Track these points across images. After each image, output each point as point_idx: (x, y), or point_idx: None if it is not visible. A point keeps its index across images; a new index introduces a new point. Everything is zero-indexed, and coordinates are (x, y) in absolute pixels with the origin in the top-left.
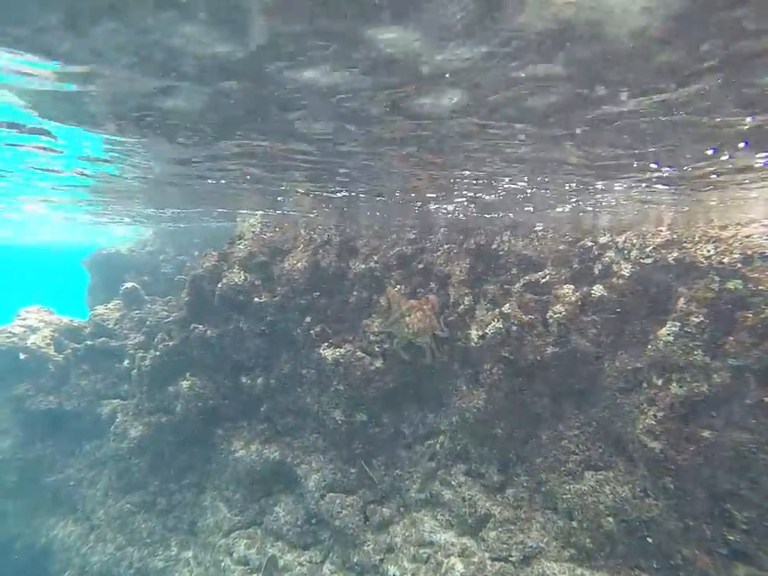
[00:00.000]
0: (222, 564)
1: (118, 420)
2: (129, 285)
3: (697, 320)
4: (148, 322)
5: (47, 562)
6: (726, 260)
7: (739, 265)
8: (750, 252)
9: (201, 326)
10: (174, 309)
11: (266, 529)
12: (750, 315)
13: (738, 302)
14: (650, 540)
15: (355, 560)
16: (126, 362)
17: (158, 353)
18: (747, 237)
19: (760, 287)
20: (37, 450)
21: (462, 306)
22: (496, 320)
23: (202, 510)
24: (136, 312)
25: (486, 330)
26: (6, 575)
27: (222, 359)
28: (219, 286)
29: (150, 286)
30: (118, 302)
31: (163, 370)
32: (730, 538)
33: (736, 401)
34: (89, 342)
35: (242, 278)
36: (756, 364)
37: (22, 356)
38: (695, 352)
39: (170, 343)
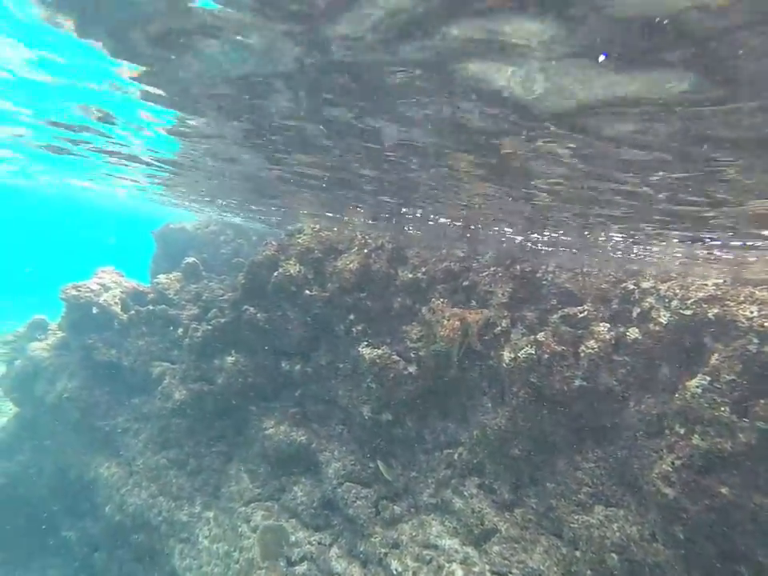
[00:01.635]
0: (239, 529)
1: (165, 382)
2: (190, 260)
3: (728, 377)
4: (204, 297)
5: (93, 494)
6: (767, 324)
7: None
8: None
9: (252, 309)
10: (229, 289)
11: (282, 505)
12: None
13: None
14: None
15: (361, 549)
16: (179, 331)
17: (209, 327)
18: None
19: None
20: (96, 396)
21: (498, 328)
22: (529, 345)
23: (227, 477)
24: (194, 286)
25: (519, 354)
26: (66, 495)
27: (267, 342)
28: (275, 274)
29: (208, 263)
30: (179, 274)
31: (211, 344)
32: None
33: (761, 464)
34: (150, 307)
35: (297, 269)
36: None
37: (94, 310)
38: (722, 408)
39: (222, 320)
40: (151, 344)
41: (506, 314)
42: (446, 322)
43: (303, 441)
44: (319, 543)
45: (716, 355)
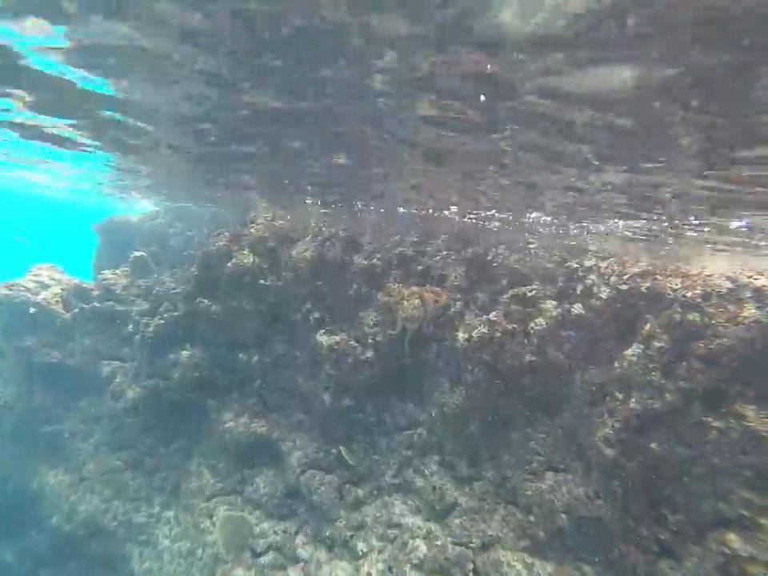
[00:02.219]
0: (202, 525)
1: (116, 380)
2: (138, 253)
3: (658, 344)
4: (155, 291)
5: (37, 506)
6: (689, 294)
7: (699, 300)
8: (709, 289)
9: (206, 301)
10: (182, 282)
11: (245, 498)
12: (702, 345)
13: (694, 332)
14: (594, 536)
15: (327, 534)
16: (129, 327)
17: (162, 321)
18: (709, 276)
19: (713, 321)
20: (37, 400)
21: (452, 309)
22: (482, 325)
23: (187, 473)
24: (143, 281)
25: (473, 334)
26: (0, 513)
27: (222, 334)
28: (229, 265)
29: (157, 256)
30: (126, 268)
31: (165, 338)
32: (662, 537)
33: (681, 419)
34: (96, 304)
35: (251, 260)
36: (700, 388)
37: (32, 310)
38: (653, 373)
39: (175, 314)
40: (99, 342)
41: (459, 296)
42: (406, 302)
43: (264, 432)
44: (284, 532)
45: (648, 325)
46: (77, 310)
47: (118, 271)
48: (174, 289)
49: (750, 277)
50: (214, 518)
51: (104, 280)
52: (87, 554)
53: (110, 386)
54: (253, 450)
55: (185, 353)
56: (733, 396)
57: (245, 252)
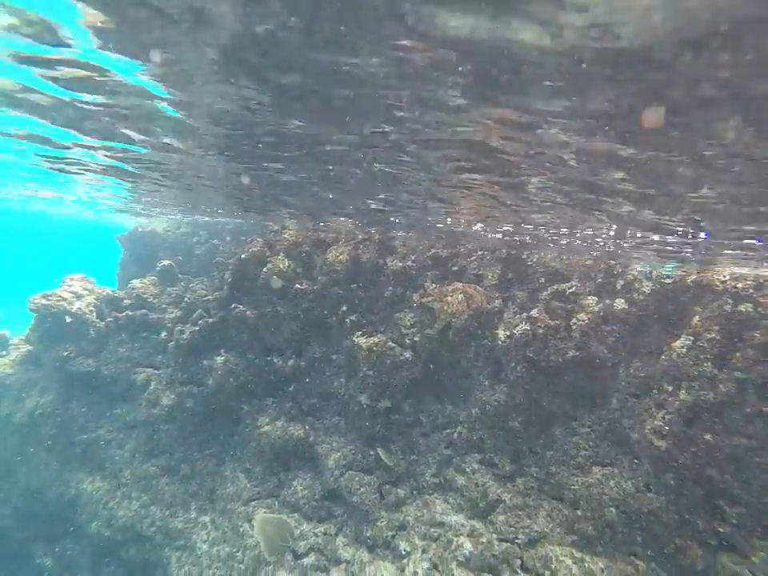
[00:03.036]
0: (241, 529)
1: (151, 388)
2: (165, 263)
3: (709, 336)
4: (187, 299)
5: (75, 513)
6: (740, 285)
7: (751, 290)
8: (762, 280)
9: (241, 307)
10: (213, 289)
11: (283, 501)
12: (758, 335)
13: (748, 322)
14: (647, 530)
15: (368, 534)
16: (162, 334)
17: (196, 328)
18: (756, 269)
19: (767, 310)
20: (73, 409)
21: (492, 307)
22: (524, 322)
23: (222, 479)
24: (173, 289)
25: (514, 331)
26: (39, 520)
27: (257, 340)
28: (264, 270)
29: (182, 265)
30: (153, 278)
31: (199, 345)
32: (720, 530)
33: (737, 410)
34: (129, 313)
35: (286, 264)
36: (758, 378)
37: (68, 319)
38: (705, 364)
39: (209, 320)
40: (132, 350)
41: (497, 295)
42: (450, 297)
43: (300, 435)
44: (325, 534)
45: (697, 317)
46: (110, 318)
47: (146, 281)
48: (205, 296)
49: None
50: (253, 521)
51: (134, 289)
52: (126, 559)
53: (144, 393)
54: (289, 453)
55: (219, 359)
56: None
57: (280, 257)
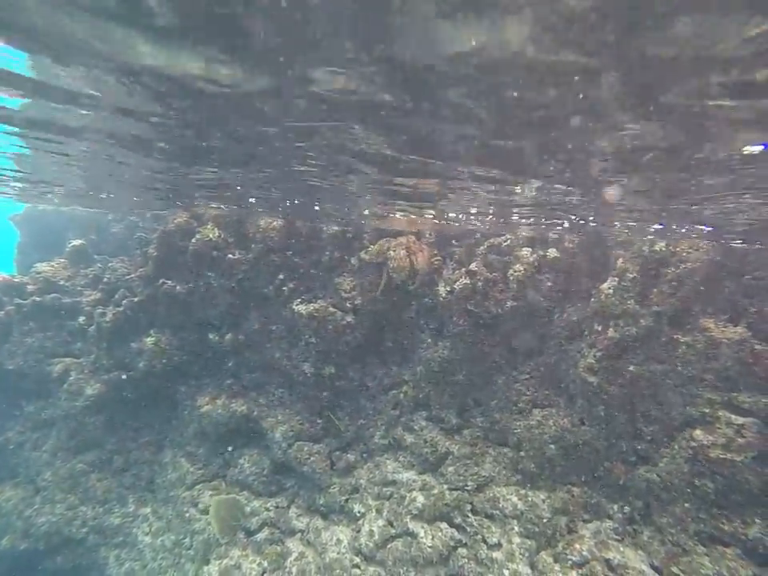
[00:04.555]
0: (187, 514)
1: (71, 378)
2: (77, 242)
3: (631, 276)
4: (105, 279)
5: None
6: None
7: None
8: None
9: (169, 282)
10: (136, 266)
11: (230, 480)
12: (670, 271)
13: (662, 260)
14: (581, 459)
15: (321, 502)
16: (80, 319)
17: (119, 308)
18: None
19: (678, 248)
20: None
21: (434, 263)
22: (463, 277)
23: (161, 466)
24: (89, 270)
25: (454, 286)
26: None
27: (190, 316)
28: (193, 241)
29: (96, 245)
30: (63, 260)
31: (125, 327)
32: (638, 447)
33: (655, 340)
34: (37, 299)
35: (216, 234)
36: (670, 310)
37: None
38: (628, 302)
39: (135, 299)
40: (44, 340)
41: (435, 253)
42: (392, 252)
43: (243, 411)
44: (277, 507)
45: (620, 260)
46: (11, 306)
47: (54, 263)
48: (128, 274)
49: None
50: (200, 505)
51: (39, 273)
52: (53, 569)
53: (63, 385)
54: (233, 431)
55: (149, 340)
56: (696, 313)
57: (209, 226)
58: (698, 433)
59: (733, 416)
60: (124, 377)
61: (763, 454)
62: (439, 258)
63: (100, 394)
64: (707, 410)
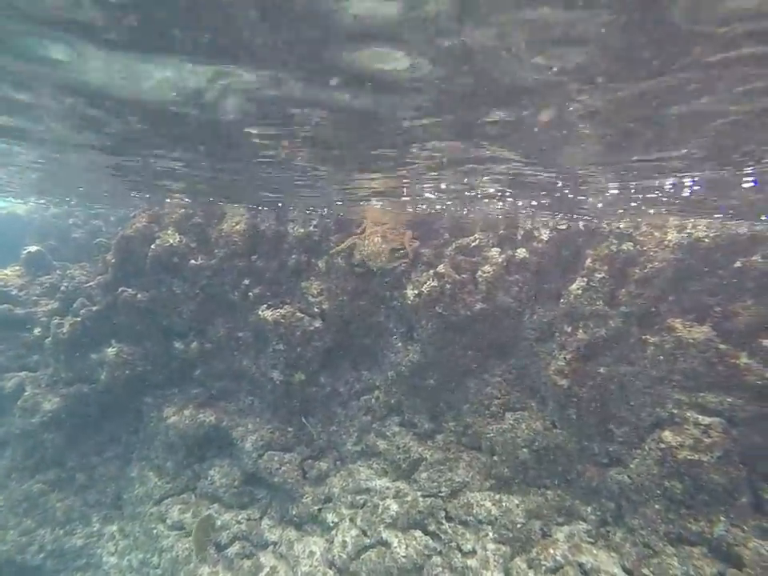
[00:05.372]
0: (155, 531)
1: (26, 394)
2: (33, 248)
3: (599, 276)
4: (63, 288)
5: None
6: (621, 225)
7: (631, 230)
8: (638, 219)
9: (130, 290)
10: (96, 273)
11: (200, 493)
12: (637, 270)
13: (630, 260)
14: (554, 462)
15: (294, 513)
16: (36, 331)
17: (78, 319)
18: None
19: (644, 248)
20: None
21: (399, 268)
22: (431, 279)
23: (128, 481)
24: (46, 278)
25: (422, 289)
26: None
27: (153, 324)
28: (152, 247)
29: (56, 251)
30: (18, 267)
31: (85, 337)
32: (610, 449)
33: (624, 341)
34: None
35: (178, 239)
36: (638, 311)
37: None
38: (597, 302)
39: (93, 308)
40: None
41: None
42: (367, 240)
43: (212, 421)
44: (249, 519)
45: (589, 259)
46: None
47: (7, 271)
48: (87, 282)
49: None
50: (168, 521)
51: None
52: None
53: (17, 401)
54: (202, 442)
55: (110, 350)
56: (664, 313)
57: (169, 231)
58: (666, 434)
59: (700, 416)
60: (86, 389)
61: (728, 452)
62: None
63: (59, 409)
64: (675, 411)
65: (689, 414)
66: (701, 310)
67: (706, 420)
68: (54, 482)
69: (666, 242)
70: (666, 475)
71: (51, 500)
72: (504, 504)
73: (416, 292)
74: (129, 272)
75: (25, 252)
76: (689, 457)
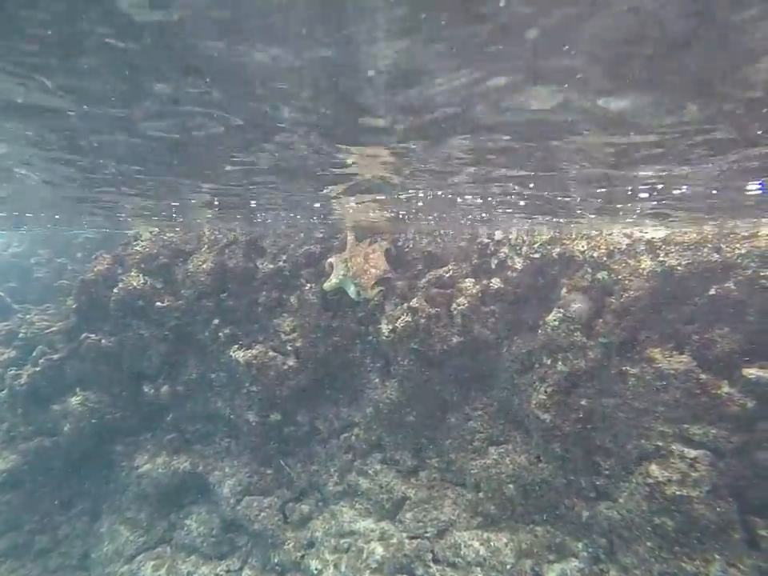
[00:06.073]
0: None
1: None
2: None
3: (575, 306)
4: (21, 335)
5: None
6: (595, 254)
7: (605, 258)
8: (612, 248)
9: (93, 335)
10: (57, 317)
11: (176, 545)
12: (614, 300)
13: (605, 289)
14: (541, 498)
15: (276, 560)
16: None
17: (37, 368)
18: (609, 235)
19: (619, 276)
20: None
21: (371, 302)
22: (405, 314)
23: (97, 538)
24: (4, 324)
25: (396, 324)
26: None
27: (120, 370)
28: (115, 291)
29: (17, 293)
30: None
31: (45, 388)
32: (597, 483)
33: (605, 372)
34: None
35: (141, 281)
36: (617, 341)
37: None
38: (575, 334)
39: (55, 356)
40: None
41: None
42: (348, 263)
43: (187, 467)
44: (228, 571)
45: (564, 289)
46: None
47: None
48: (47, 328)
49: (641, 231)
50: None
51: None
52: None
53: None
54: (178, 490)
55: (75, 399)
56: (642, 342)
57: (132, 273)
58: (653, 468)
59: (685, 449)
60: (47, 443)
61: (716, 486)
62: (380, 293)
63: (16, 467)
64: (660, 443)
65: (674, 447)
66: (679, 339)
67: (692, 453)
68: (6, 551)
69: (640, 270)
70: (655, 511)
71: (5, 570)
72: (492, 543)
73: (390, 327)
74: (92, 317)
75: None
76: (677, 492)
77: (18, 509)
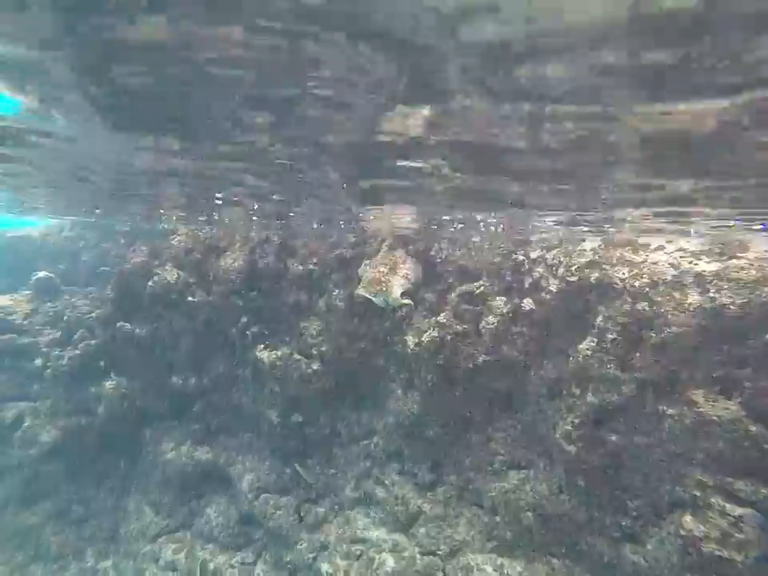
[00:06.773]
0: (146, 572)
1: (26, 425)
2: (42, 274)
3: (611, 336)
4: (66, 317)
5: None
6: (637, 283)
7: (647, 289)
8: (656, 278)
9: (128, 325)
10: (97, 303)
11: (195, 532)
12: (653, 335)
13: (645, 321)
14: (561, 531)
15: (288, 559)
16: (38, 361)
17: (77, 351)
18: (654, 263)
19: (662, 309)
20: None
21: (399, 312)
22: (432, 328)
23: (125, 514)
24: (51, 305)
25: (423, 338)
26: None
27: (152, 359)
28: (150, 284)
29: (67, 275)
30: (28, 292)
31: (84, 370)
32: (623, 523)
33: (638, 409)
34: None
35: (175, 275)
36: (656, 378)
37: None
38: (608, 365)
39: (92, 342)
40: None
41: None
42: (370, 271)
43: (209, 458)
44: (242, 563)
45: (600, 317)
46: None
47: (16, 296)
48: (89, 313)
49: (691, 263)
50: (161, 561)
51: None
52: None
53: (16, 432)
54: (199, 479)
55: (109, 384)
56: (683, 381)
57: (167, 267)
58: (687, 519)
59: (728, 504)
60: (84, 422)
61: (766, 555)
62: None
63: (57, 441)
64: (698, 494)
65: (713, 500)
66: (727, 383)
67: (737, 510)
68: (48, 515)
69: (686, 305)
70: (689, 567)
71: (45, 533)
72: (506, 570)
73: (416, 341)
74: (127, 306)
75: (34, 277)
76: (717, 553)
77: (58, 479)
